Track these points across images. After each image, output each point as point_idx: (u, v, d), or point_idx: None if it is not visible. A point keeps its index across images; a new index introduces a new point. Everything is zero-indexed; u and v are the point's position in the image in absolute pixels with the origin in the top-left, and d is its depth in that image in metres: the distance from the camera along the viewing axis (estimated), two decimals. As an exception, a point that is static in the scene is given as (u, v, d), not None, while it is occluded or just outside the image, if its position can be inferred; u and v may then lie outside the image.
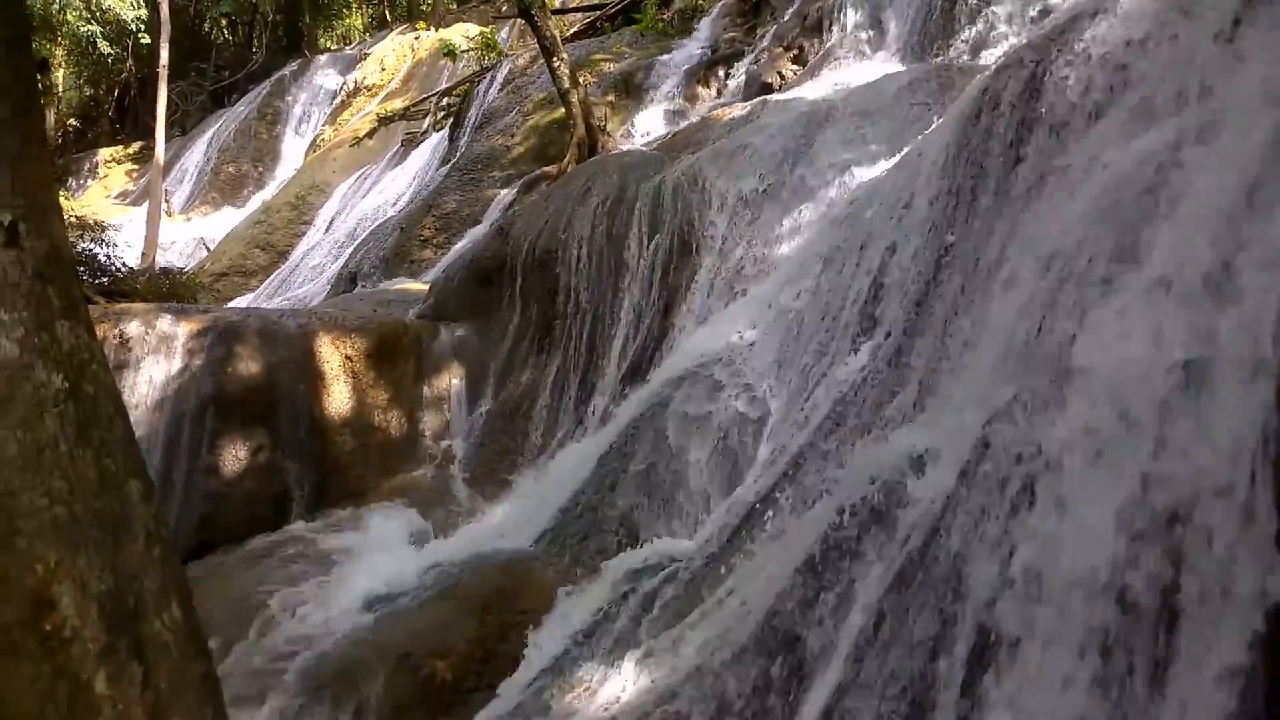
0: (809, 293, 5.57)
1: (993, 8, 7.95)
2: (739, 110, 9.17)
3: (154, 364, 7.21)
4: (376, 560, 5.97)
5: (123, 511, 1.66)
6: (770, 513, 4.75)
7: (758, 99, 9.55)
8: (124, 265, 13.74)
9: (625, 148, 11.18)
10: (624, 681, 4.23)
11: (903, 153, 5.75)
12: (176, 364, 7.28)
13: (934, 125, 5.64)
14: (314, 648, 4.97)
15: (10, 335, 1.70)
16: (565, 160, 11.62)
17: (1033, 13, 7.53)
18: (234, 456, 7.11)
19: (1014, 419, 2.78)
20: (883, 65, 8.65)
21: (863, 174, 6.31)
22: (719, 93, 12.17)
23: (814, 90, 8.71)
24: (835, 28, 9.84)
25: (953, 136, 4.28)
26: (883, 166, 6.06)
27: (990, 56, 7.08)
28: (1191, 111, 2.74)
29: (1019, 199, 3.45)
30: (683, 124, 11.18)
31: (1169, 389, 2.06)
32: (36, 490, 1.60)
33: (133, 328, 7.27)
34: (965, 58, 7.82)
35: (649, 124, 12.31)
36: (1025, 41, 4.28)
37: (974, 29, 8.03)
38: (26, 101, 2.05)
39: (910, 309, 4.24)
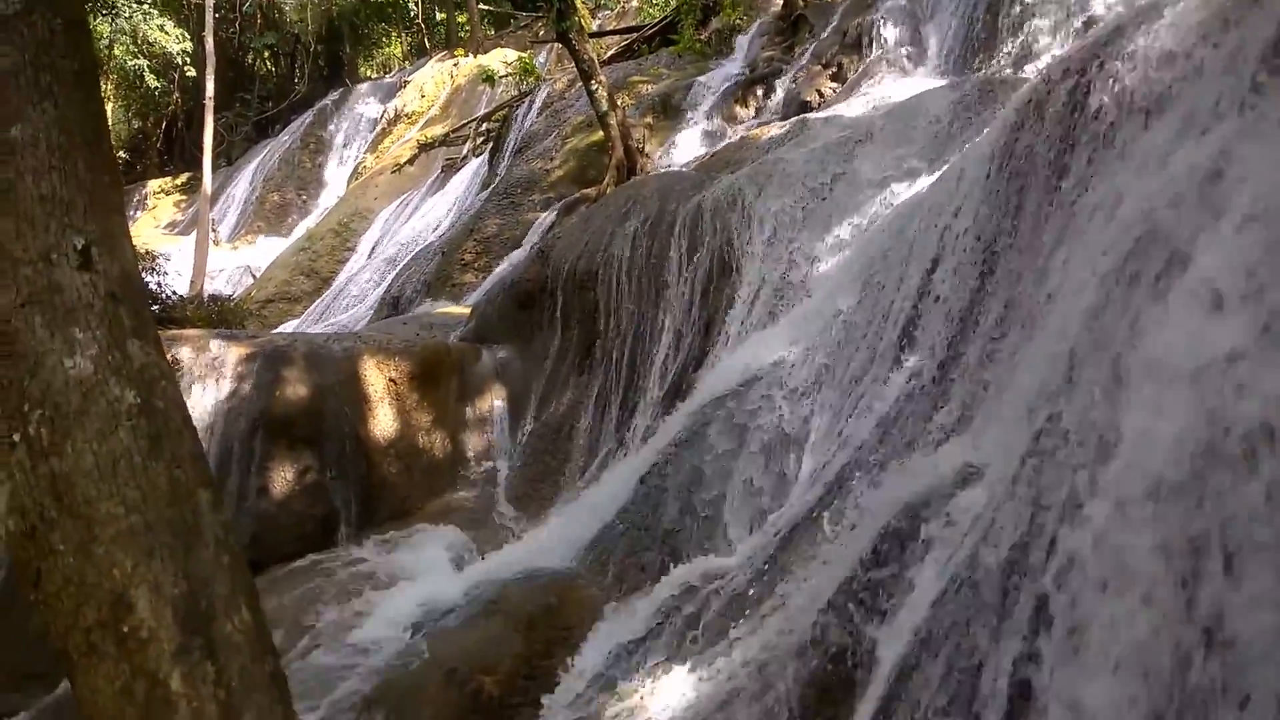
0: (850, 310, 5.57)
1: (1036, 20, 7.91)
2: (777, 129, 9.21)
3: (204, 388, 7.39)
4: (423, 580, 6.04)
5: (193, 520, 1.73)
6: (813, 530, 4.74)
7: (796, 117, 9.59)
8: (174, 293, 14.13)
9: (664, 169, 11.28)
10: (669, 696, 4.24)
11: (944, 168, 5.75)
12: (226, 388, 7.45)
13: (976, 139, 5.63)
14: (363, 664, 5.03)
15: (85, 353, 1.78)
16: (604, 182, 11.74)
17: (1076, 24, 7.49)
18: (283, 478, 7.24)
19: (1063, 433, 2.76)
20: (923, 81, 8.64)
21: (904, 190, 6.31)
22: (757, 112, 12.23)
23: (853, 108, 8.74)
24: (875, 44, 9.86)
25: (996, 149, 4.27)
26: (924, 182, 6.05)
27: (1033, 70, 7.05)
28: (1236, 120, 2.72)
29: (1064, 211, 3.43)
30: (721, 144, 11.24)
31: (1223, 397, 2.04)
32: (113, 500, 1.67)
33: (184, 353, 7.47)
34: (1008, 71, 7.79)
35: (687, 144, 12.40)
36: (1069, 53, 4.27)
37: (1016, 42, 8.00)
38: (96, 132, 2.15)
39: (954, 325, 4.22)
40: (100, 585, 1.63)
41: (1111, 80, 3.54)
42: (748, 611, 4.48)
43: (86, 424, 1.72)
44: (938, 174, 5.88)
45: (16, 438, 1.71)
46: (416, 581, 6.02)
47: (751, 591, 4.68)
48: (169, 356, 7.64)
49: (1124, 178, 3.03)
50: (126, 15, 25.01)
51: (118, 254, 1.91)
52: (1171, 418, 2.18)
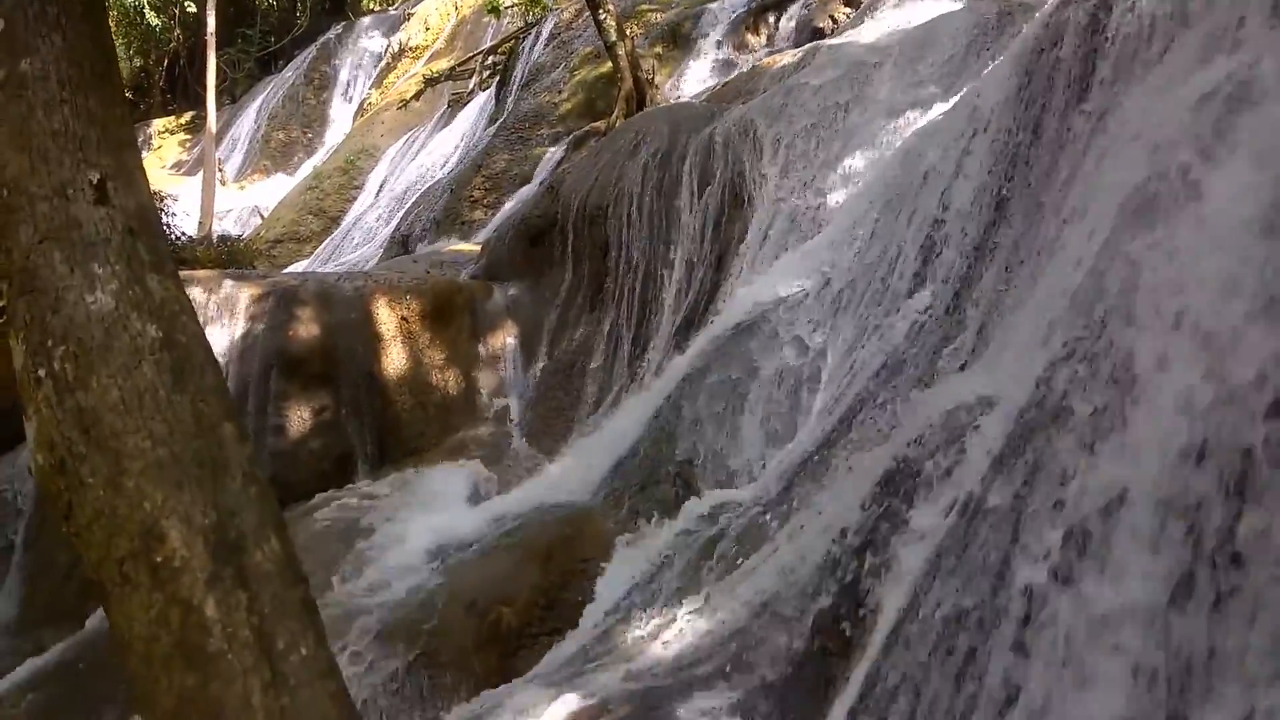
0: (864, 241, 5.53)
1: (1054, -60, 7.67)
2: (790, 57, 9.03)
3: (218, 329, 7.42)
4: (441, 515, 6.14)
5: (220, 453, 1.76)
6: (826, 461, 4.78)
7: (809, 45, 9.38)
8: (183, 234, 14.11)
9: (674, 100, 11.09)
10: (684, 625, 4.32)
11: (961, 94, 5.63)
12: (240, 328, 7.48)
13: (993, 65, 5.51)
14: (384, 597, 5.15)
15: (105, 288, 1.79)
16: (614, 115, 11.56)
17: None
18: (299, 417, 7.31)
19: (1077, 362, 2.75)
20: (940, 4, 8.41)
21: (919, 118, 6.19)
22: (769, 40, 11.96)
23: (868, 33, 8.53)
24: (890, -34, 9.57)
25: (1013, 75, 4.18)
26: (940, 110, 5.94)
27: (1052, -8, 6.85)
28: (1258, 42, 2.64)
29: (1084, 136, 3.37)
30: (732, 74, 11.03)
31: (1242, 319, 2.03)
32: (140, 433, 1.70)
33: (196, 294, 7.47)
34: (1028, -6, 7.57)
35: (698, 75, 12.16)
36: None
37: (1035, -37, 7.75)
38: (105, 65, 2.12)
39: (969, 254, 4.18)
40: (131, 517, 1.66)
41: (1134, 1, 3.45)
42: (762, 542, 4.55)
43: (110, 359, 1.74)
44: (954, 100, 5.77)
45: (42, 373, 1.73)
46: (434, 516, 6.11)
47: (765, 523, 4.74)
48: (182, 297, 7.63)
49: (1145, 99, 2.96)
50: (123, -51, 24.50)
51: (133, 188, 1.91)
52: (1185, 348, 2.17)
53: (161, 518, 1.65)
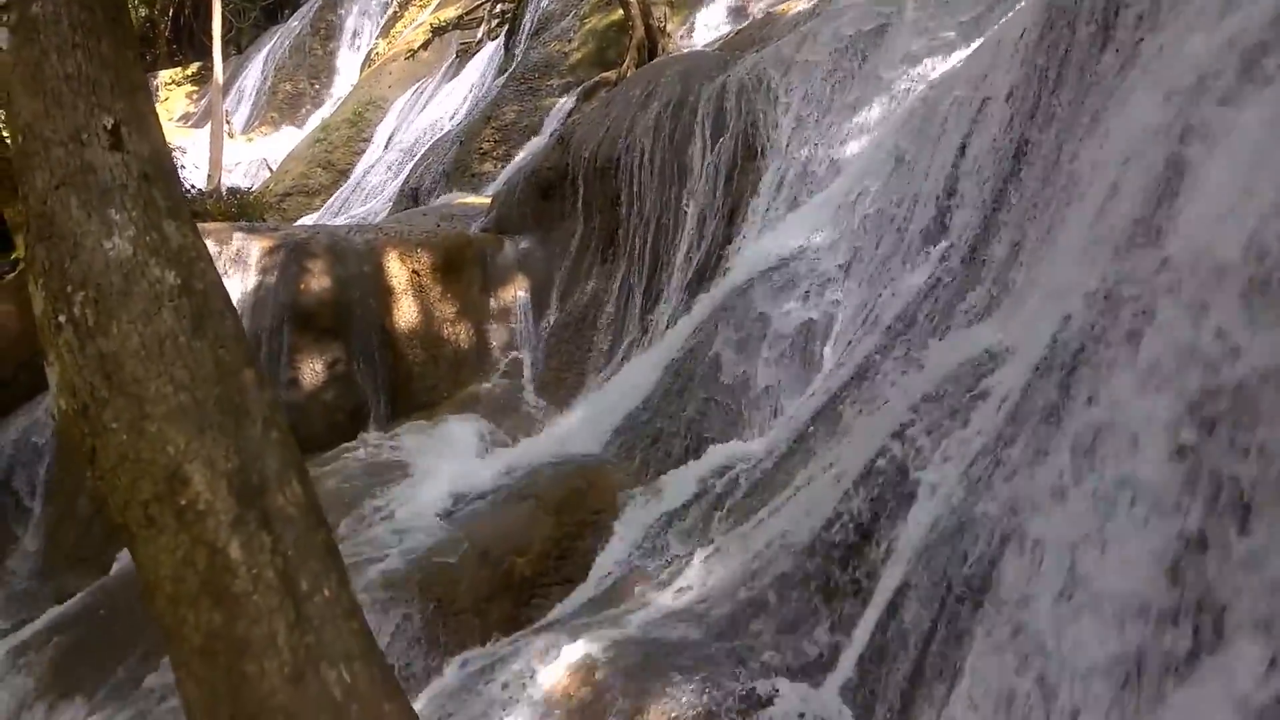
0: (879, 193, 5.46)
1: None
2: (805, 4, 8.86)
3: (230, 282, 7.41)
4: (453, 466, 6.18)
5: (240, 399, 1.77)
6: (838, 414, 4.78)
7: (824, -9, 9.17)
8: (193, 187, 14.04)
9: (686, 49, 10.92)
10: (694, 574, 4.37)
11: (981, 40, 5.51)
12: (252, 281, 7.48)
13: (1015, 9, 5.38)
14: (399, 547, 5.20)
15: (123, 234, 1.78)
16: (625, 64, 11.40)
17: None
18: (311, 369, 7.34)
19: (1100, 310, 2.73)
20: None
21: (937, 66, 6.07)
22: (783, -14, 11.72)
23: (885, -23, 8.33)
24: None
25: (1036, 19, 4.08)
26: (959, 56, 5.82)
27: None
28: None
29: (1108, 82, 3.30)
30: (745, 21, 10.83)
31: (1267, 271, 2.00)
32: (161, 379, 1.71)
33: (208, 246, 7.46)
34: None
35: (710, 22, 11.95)
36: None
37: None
38: (115, 9, 2.09)
39: (987, 205, 4.13)
40: (155, 461, 1.68)
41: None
42: (772, 494, 4.57)
43: (130, 305, 1.74)
44: (975, 46, 5.65)
45: (62, 319, 1.74)
46: (447, 468, 6.15)
47: (776, 474, 4.77)
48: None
49: (1172, 40, 2.90)
50: (124, -105, 24.01)
51: (147, 133, 1.90)
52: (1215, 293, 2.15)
53: (185, 462, 1.67)
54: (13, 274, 7.19)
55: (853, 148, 6.23)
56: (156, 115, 2.02)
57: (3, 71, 1.87)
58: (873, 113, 6.32)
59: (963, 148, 4.61)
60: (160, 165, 1.90)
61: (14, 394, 6.84)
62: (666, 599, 4.25)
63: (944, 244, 4.57)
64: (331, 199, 17.28)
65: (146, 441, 1.68)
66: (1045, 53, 3.90)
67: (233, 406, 1.74)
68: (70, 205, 1.77)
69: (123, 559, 5.72)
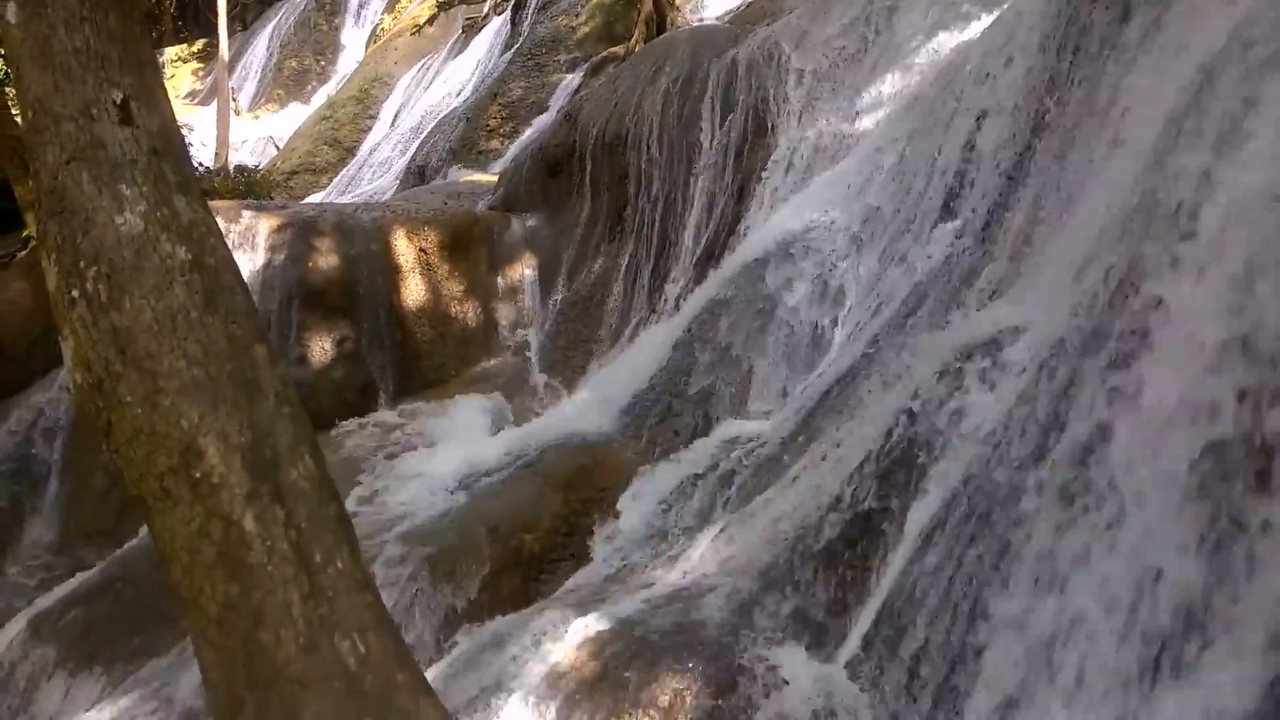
0: (891, 169, 5.42)
1: None
2: (816, -22, 8.74)
3: (238, 259, 7.38)
4: (462, 443, 6.20)
5: (253, 374, 1.78)
6: (848, 392, 4.77)
7: (835, -35, 9.06)
8: (200, 164, 14.02)
9: (695, 23, 10.83)
10: (701, 551, 4.37)
11: (997, 12, 5.44)
12: (260, 259, 7.48)
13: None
14: (409, 523, 5.24)
15: (134, 210, 1.78)
16: (633, 39, 11.32)
17: None
18: (320, 347, 7.36)
19: (1114, 287, 2.70)
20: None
21: (953, 40, 6.00)
22: (793, -40, 11.59)
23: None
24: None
25: (1052, -8, 4.03)
26: (975, 29, 5.74)
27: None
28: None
29: (1129, 53, 3.25)
30: (755, -4, 10.72)
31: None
32: (174, 353, 1.71)
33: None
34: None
35: (721, -6, 11.86)
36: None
37: None
38: (123, -18, 2.08)
39: (1002, 180, 4.09)
40: (169, 435, 1.69)
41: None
42: (779, 473, 4.57)
43: (142, 280, 1.74)
44: (991, 18, 5.57)
45: (75, 294, 1.74)
46: (456, 445, 6.18)
47: (784, 453, 4.76)
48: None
49: (1194, 14, 2.85)
50: None
51: (155, 108, 1.89)
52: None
53: (199, 435, 1.68)
54: (25, 251, 7.21)
55: (866, 123, 6.17)
56: (165, 90, 2.01)
57: (11, 46, 1.87)
58: (886, 88, 6.26)
59: (979, 121, 4.56)
60: (170, 140, 1.90)
61: (30, 369, 6.89)
62: (674, 576, 4.26)
63: (956, 221, 4.54)
64: (338, 176, 17.24)
65: (161, 415, 1.69)
66: (1065, 23, 3.85)
67: (245, 381, 1.75)
68: (81, 180, 1.77)
69: (139, 532, 5.79)
